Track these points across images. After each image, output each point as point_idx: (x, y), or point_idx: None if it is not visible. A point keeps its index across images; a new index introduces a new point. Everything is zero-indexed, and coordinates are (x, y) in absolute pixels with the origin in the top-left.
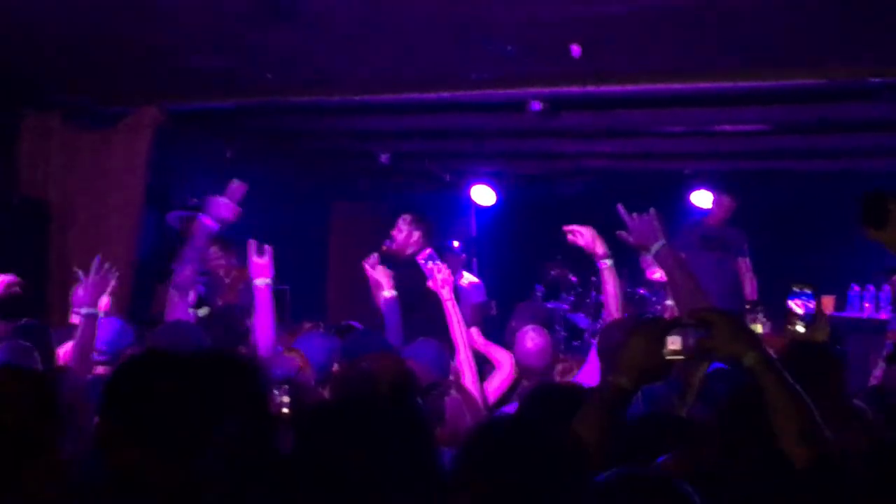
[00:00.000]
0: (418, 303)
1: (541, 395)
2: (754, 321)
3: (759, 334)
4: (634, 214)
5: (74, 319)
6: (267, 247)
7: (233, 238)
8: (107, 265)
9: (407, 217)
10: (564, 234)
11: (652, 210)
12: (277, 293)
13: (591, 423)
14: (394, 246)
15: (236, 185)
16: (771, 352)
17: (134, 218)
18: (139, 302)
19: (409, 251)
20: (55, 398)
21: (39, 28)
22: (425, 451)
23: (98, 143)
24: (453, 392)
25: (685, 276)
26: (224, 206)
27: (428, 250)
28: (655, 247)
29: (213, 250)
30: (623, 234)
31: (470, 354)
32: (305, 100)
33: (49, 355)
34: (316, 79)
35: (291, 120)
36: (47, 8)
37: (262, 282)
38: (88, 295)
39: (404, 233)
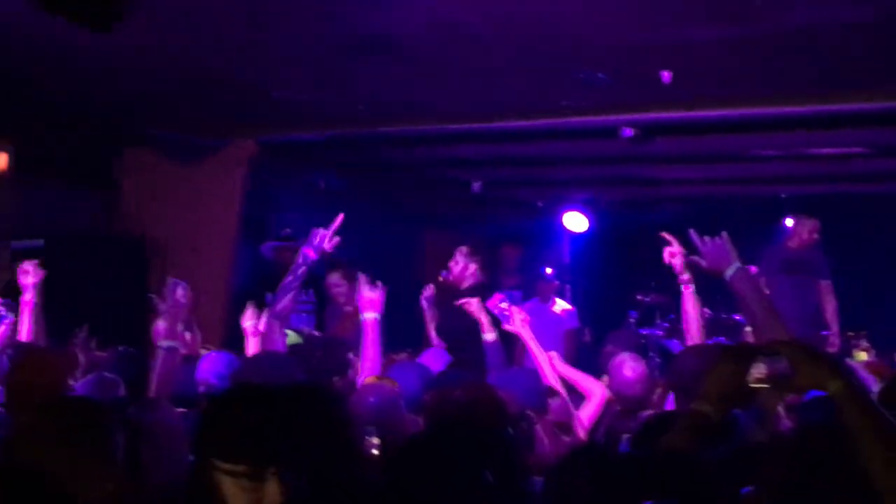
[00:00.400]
0: (467, 340)
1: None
2: (857, 348)
3: (860, 362)
4: (706, 238)
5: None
6: (379, 282)
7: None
8: (179, 291)
9: (464, 249)
10: (660, 254)
11: (724, 234)
12: None
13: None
14: (450, 277)
15: (339, 218)
16: (872, 378)
17: (229, 249)
18: (236, 332)
19: (465, 284)
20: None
21: (135, 67)
22: (516, 480)
23: (194, 177)
24: (544, 420)
25: (761, 300)
26: (324, 237)
27: (500, 295)
28: (730, 271)
29: (335, 277)
30: (695, 258)
31: (559, 385)
32: (396, 129)
33: (141, 385)
34: (407, 109)
35: (383, 150)
36: (143, 49)
37: (370, 315)
38: (165, 326)
39: (461, 265)
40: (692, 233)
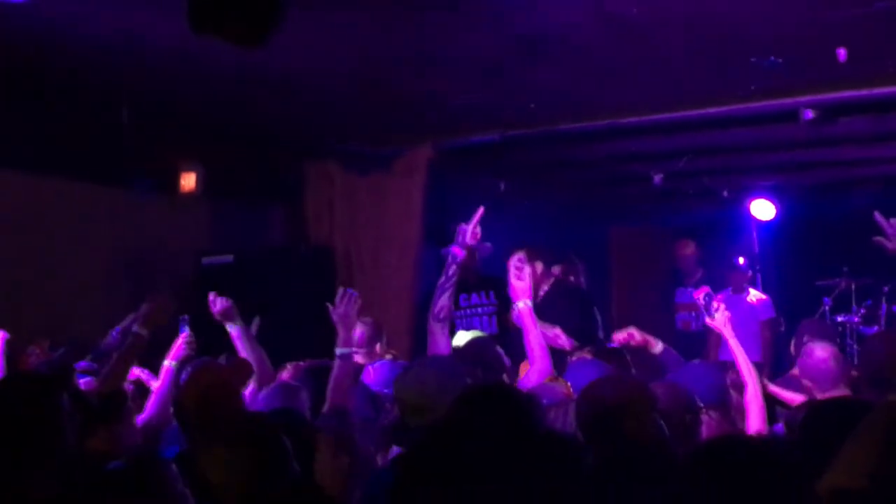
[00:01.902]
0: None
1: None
2: None
3: None
4: (893, 219)
5: (358, 358)
6: (527, 268)
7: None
8: (349, 296)
9: (519, 255)
10: (852, 238)
11: None
12: None
13: (865, 445)
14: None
15: (479, 211)
16: None
17: (413, 256)
18: (422, 340)
19: (544, 288)
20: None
21: (315, 84)
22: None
23: (376, 187)
24: (712, 414)
25: None
26: (466, 232)
27: (705, 289)
28: None
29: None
30: (880, 239)
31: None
32: (573, 127)
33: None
34: (582, 105)
35: (560, 148)
36: (322, 67)
37: (522, 304)
38: (342, 334)
39: (525, 272)
40: (877, 215)
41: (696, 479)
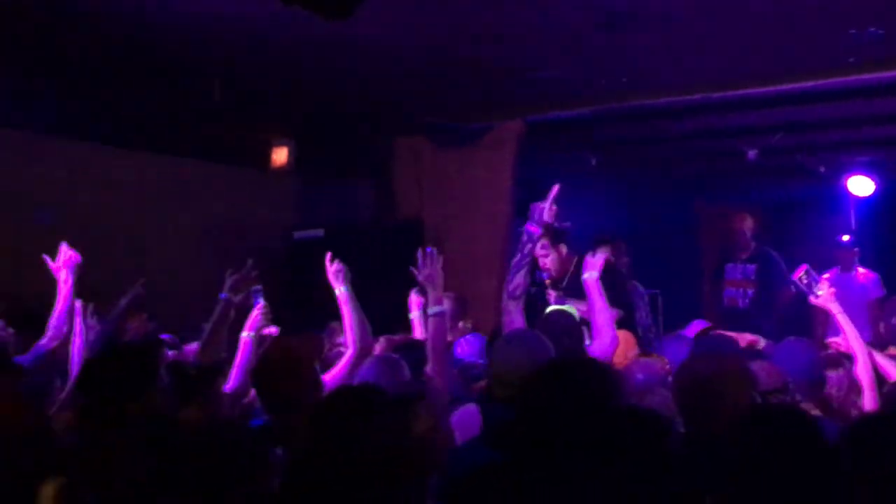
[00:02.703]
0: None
1: None
2: None
3: None
4: None
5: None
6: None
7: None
8: (430, 255)
9: (542, 243)
10: None
11: None
12: (650, 297)
13: None
14: (554, 275)
15: (555, 189)
16: None
17: (503, 231)
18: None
19: (569, 270)
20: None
21: (405, 59)
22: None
23: (465, 161)
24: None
25: None
26: (542, 210)
27: (804, 266)
28: None
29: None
30: None
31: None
32: (663, 101)
33: (420, 370)
34: (673, 78)
35: (651, 123)
36: (411, 42)
37: (589, 275)
38: (432, 294)
39: (551, 257)
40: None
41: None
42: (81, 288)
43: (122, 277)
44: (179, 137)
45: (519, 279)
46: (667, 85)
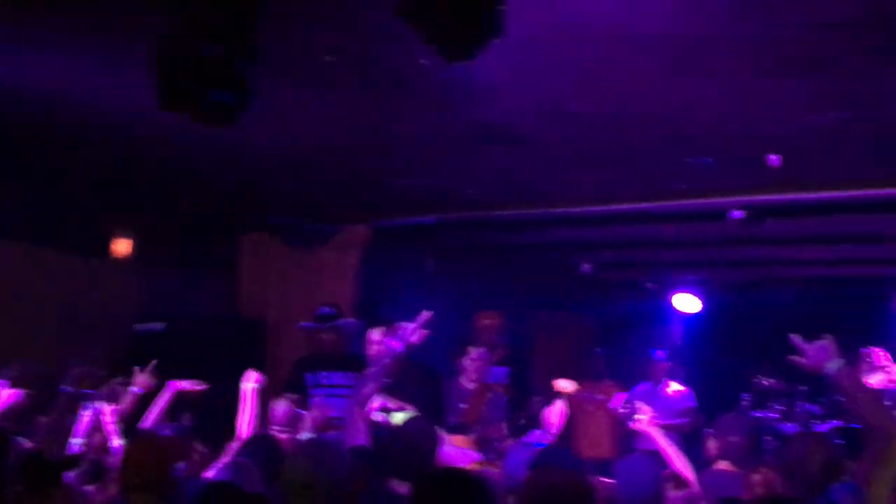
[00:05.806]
0: None
1: None
2: None
3: None
4: (812, 343)
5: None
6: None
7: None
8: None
9: (474, 353)
10: (774, 336)
11: (827, 336)
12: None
13: None
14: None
15: (425, 314)
16: None
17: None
18: None
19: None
20: None
21: (258, 161)
22: None
23: (310, 261)
24: None
25: (865, 394)
26: (412, 331)
27: (623, 396)
28: (830, 366)
29: (376, 333)
30: (795, 358)
31: (686, 465)
32: (506, 213)
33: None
34: (518, 193)
35: (491, 233)
36: (264, 145)
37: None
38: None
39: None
40: (793, 338)
41: None
42: None
43: None
44: (30, 227)
45: (369, 390)
46: (511, 199)
